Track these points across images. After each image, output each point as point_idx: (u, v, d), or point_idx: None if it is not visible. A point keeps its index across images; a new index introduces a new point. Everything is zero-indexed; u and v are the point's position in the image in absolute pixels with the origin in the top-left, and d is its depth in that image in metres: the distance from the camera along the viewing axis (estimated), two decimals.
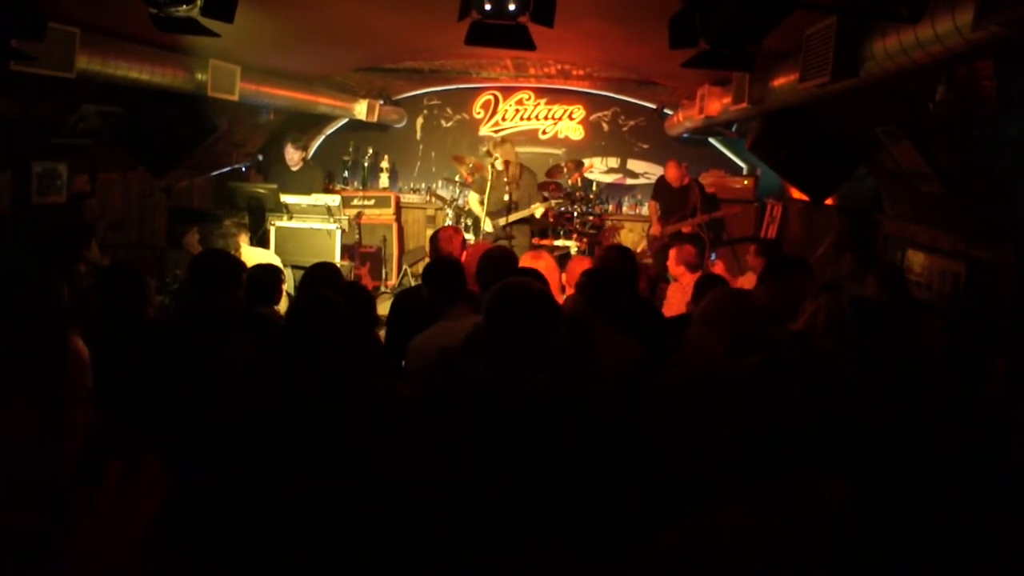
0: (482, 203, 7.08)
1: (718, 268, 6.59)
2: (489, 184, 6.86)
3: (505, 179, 6.89)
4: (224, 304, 3.16)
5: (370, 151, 9.41)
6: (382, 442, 1.95)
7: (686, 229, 7.62)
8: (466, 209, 7.81)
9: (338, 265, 6.55)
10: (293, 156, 7.60)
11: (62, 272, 3.29)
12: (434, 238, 4.21)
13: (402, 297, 4.02)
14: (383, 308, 4.56)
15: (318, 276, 3.69)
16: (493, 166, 6.88)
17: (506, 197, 6.88)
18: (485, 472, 1.84)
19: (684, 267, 5.63)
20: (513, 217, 6.94)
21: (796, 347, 3.26)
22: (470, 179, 8.19)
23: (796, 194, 7.08)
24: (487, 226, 6.98)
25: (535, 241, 7.62)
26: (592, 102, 9.50)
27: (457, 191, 8.82)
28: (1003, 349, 3.11)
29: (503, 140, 7.40)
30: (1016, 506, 1.98)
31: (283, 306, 4.38)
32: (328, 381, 2.25)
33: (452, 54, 7.54)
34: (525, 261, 3.97)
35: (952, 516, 1.93)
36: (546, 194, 7.63)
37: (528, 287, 2.13)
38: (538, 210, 7.03)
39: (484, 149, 9.00)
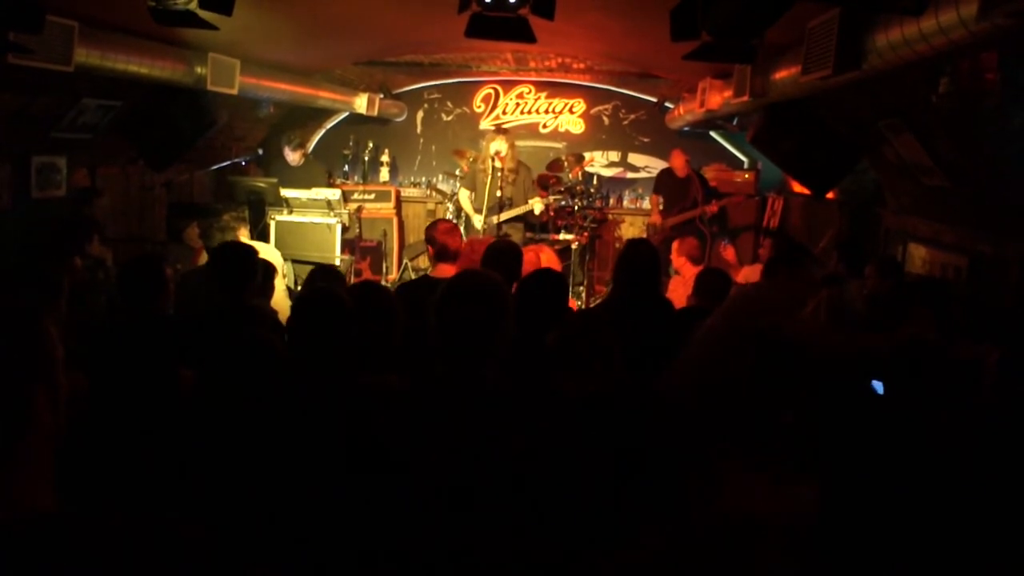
0: (472, 200, 6.96)
1: (729, 254, 6.57)
2: (489, 181, 6.71)
3: (500, 174, 6.68)
4: (247, 296, 3.19)
5: (370, 145, 9.38)
6: (370, 436, 1.94)
7: (675, 220, 7.60)
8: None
9: (338, 260, 6.58)
10: (293, 156, 7.58)
11: (61, 264, 3.29)
12: (432, 230, 4.14)
13: (404, 289, 4.05)
14: None
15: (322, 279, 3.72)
16: (492, 162, 6.73)
17: (499, 193, 6.66)
18: (484, 465, 1.83)
19: (686, 259, 5.62)
20: (507, 215, 6.73)
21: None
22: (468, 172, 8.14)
23: (797, 188, 7.06)
24: (477, 223, 6.79)
25: (530, 236, 7.55)
26: (593, 95, 9.47)
27: (457, 185, 8.80)
28: (997, 341, 3.10)
29: (498, 131, 7.24)
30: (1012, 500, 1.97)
31: (281, 302, 4.38)
32: (316, 378, 2.25)
33: (452, 47, 7.51)
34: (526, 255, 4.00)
35: (949, 511, 1.93)
36: (550, 195, 7.49)
37: (476, 277, 2.12)
38: (537, 206, 6.86)
39: (483, 143, 8.97)
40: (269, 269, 3.89)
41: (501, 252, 3.81)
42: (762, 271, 3.53)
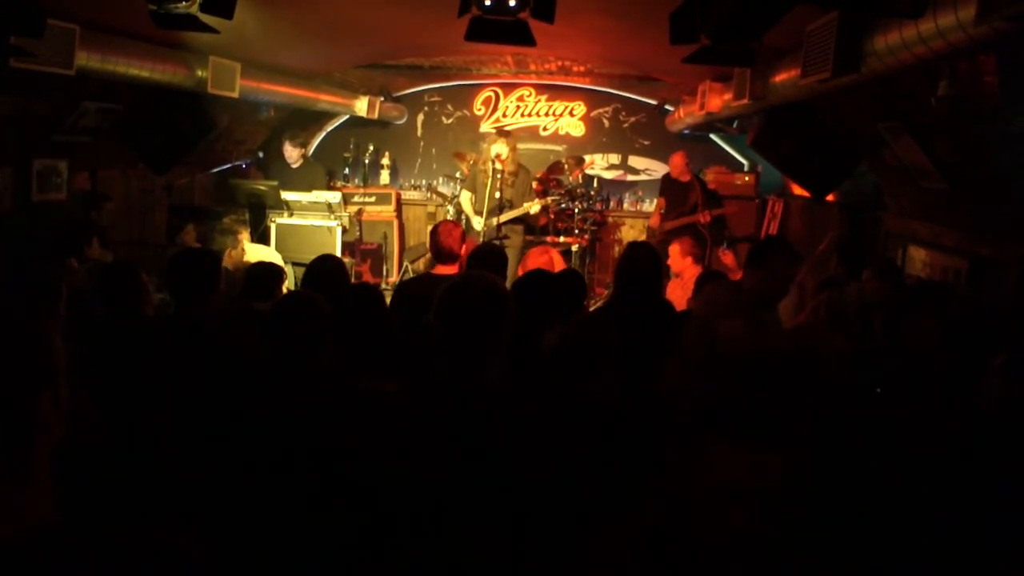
0: (473, 202, 6.97)
1: (728, 259, 6.57)
2: (489, 183, 6.69)
3: (500, 176, 6.64)
4: (210, 303, 3.14)
5: (371, 148, 9.40)
6: (362, 440, 1.94)
7: (673, 224, 7.58)
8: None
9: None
10: (292, 154, 7.59)
11: (58, 267, 3.28)
12: (434, 232, 4.20)
13: (404, 286, 4.10)
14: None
15: (324, 270, 3.69)
16: (493, 164, 6.71)
17: (498, 195, 6.61)
18: (482, 467, 1.84)
19: (691, 259, 5.58)
20: (505, 216, 6.69)
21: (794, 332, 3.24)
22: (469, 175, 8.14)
23: (797, 190, 7.07)
24: (477, 224, 6.76)
25: (530, 239, 7.53)
26: (593, 98, 9.48)
27: (458, 188, 8.79)
28: (1003, 346, 3.10)
29: (500, 134, 7.23)
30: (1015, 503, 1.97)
31: None
32: (307, 380, 2.25)
33: (453, 50, 7.53)
34: (533, 256, 4.03)
35: (949, 511, 1.93)
36: (548, 196, 7.48)
37: (479, 280, 2.11)
38: (534, 207, 6.86)
39: (485, 145, 8.97)
40: (275, 272, 3.88)
41: (485, 256, 3.84)
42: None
